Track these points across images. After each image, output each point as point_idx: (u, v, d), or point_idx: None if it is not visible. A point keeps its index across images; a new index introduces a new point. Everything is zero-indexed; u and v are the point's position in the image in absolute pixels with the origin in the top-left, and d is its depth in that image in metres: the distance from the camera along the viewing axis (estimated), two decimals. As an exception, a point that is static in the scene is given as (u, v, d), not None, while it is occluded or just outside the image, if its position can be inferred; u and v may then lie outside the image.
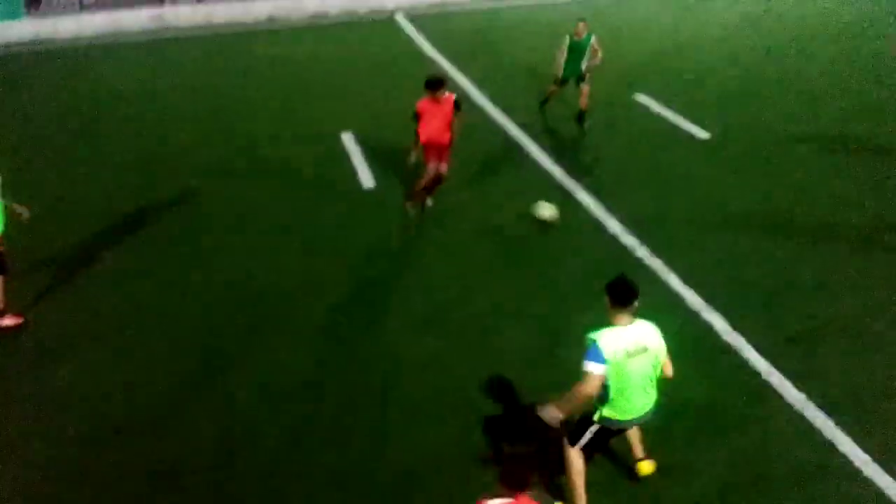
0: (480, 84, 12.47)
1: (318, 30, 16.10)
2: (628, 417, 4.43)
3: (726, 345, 6.25)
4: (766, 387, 5.76)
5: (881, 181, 8.92)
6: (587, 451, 4.60)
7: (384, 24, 16.48)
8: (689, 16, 15.89)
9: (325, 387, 5.95)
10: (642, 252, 7.60)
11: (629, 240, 7.85)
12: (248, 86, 12.92)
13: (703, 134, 10.33)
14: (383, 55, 14.26)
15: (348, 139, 10.52)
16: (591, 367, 4.17)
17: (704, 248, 7.72)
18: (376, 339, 6.50)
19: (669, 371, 4.51)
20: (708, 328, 6.46)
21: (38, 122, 11.61)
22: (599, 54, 10.48)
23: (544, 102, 11.20)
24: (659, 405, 4.52)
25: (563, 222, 7.66)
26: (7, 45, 15.41)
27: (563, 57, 10.46)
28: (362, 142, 10.41)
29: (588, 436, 4.50)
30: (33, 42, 15.72)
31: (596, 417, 4.44)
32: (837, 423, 5.36)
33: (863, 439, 5.21)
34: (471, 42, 14.96)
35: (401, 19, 16.79)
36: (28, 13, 16.19)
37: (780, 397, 5.65)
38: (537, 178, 9.34)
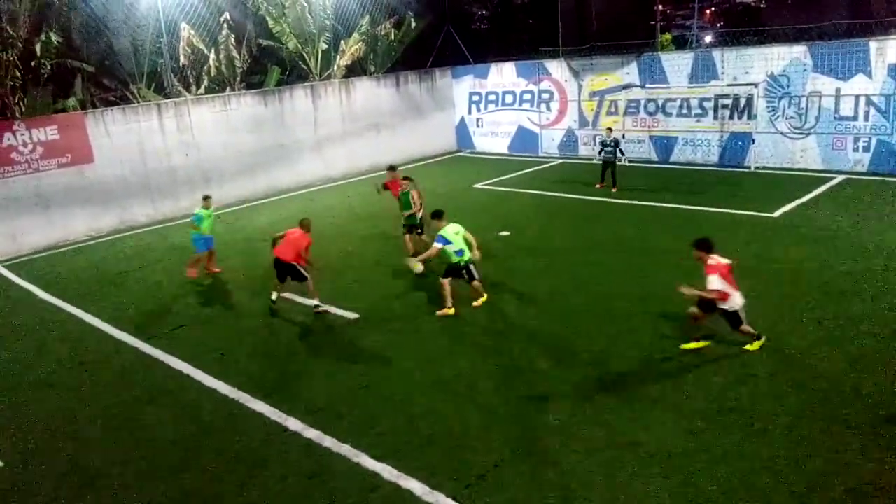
0: (112, 317, 11.63)
1: None
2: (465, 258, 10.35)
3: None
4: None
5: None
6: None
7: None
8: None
9: None
10: (329, 442, 7.45)
11: (313, 433, 7.66)
12: None
13: (352, 315, 10.97)
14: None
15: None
16: (439, 244, 10.16)
17: (378, 417, 7.87)
18: None
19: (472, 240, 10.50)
20: (409, 495, 6.50)
21: None
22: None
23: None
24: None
25: (234, 428, 7.18)
26: None
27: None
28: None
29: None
30: None
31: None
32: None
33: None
34: (92, 277, 14.10)
35: (3, 271, 15.03)
36: None
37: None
38: (203, 395, 8.73)
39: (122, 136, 17.86)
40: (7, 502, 6.99)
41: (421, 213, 12.98)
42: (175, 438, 7.86)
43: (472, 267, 10.50)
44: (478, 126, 25.50)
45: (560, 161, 22.50)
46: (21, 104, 17.62)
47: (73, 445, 7.89)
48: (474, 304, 10.71)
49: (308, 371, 9.21)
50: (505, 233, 14.47)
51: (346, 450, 7.27)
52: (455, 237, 10.29)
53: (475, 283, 10.64)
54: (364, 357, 9.46)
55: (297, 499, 6.61)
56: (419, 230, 13.07)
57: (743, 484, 6.25)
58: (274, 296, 11.16)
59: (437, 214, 10.55)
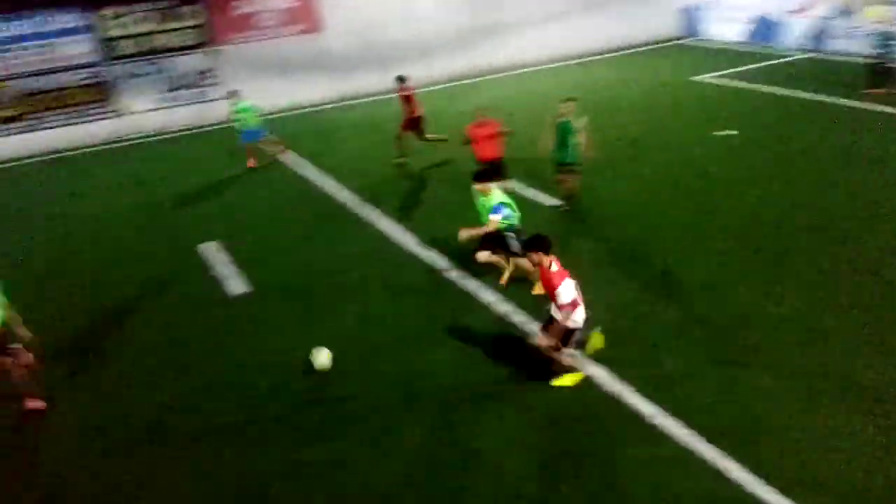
0: (330, 172, 13.18)
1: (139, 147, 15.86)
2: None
3: (609, 394, 6.45)
4: (654, 428, 5.97)
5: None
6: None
7: (229, 132, 16.79)
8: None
9: None
10: (517, 317, 7.80)
11: (471, 284, 8.06)
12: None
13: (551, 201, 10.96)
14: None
15: (209, 248, 10.41)
16: (497, 215, 7.95)
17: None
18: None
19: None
20: (589, 381, 6.64)
21: None
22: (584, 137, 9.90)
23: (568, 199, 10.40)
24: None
25: (440, 300, 8.07)
26: None
27: (550, 139, 9.98)
28: (228, 249, 10.36)
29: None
30: None
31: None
32: (725, 453, 5.58)
33: (752, 466, 5.44)
34: (319, 139, 15.79)
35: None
36: None
37: (668, 436, 5.86)
38: (410, 261, 9.50)
39: (349, 8, 18.72)
40: (258, 325, 8.34)
41: (585, 149, 9.96)
42: (362, 276, 9.08)
43: (520, 231, 8.09)
44: (712, 10, 22.91)
45: (807, 55, 19.62)
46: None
47: (303, 284, 9.15)
48: (501, 280, 8.46)
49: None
50: (727, 132, 13.22)
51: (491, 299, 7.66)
52: (506, 198, 8.22)
53: (517, 259, 8.20)
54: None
55: (446, 324, 7.53)
56: (576, 171, 10.20)
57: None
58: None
59: (479, 176, 8.29)
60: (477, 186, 8.16)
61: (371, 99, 18.78)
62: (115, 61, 17.42)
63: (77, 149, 17.07)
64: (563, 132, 9.87)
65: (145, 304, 9.07)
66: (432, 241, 9.83)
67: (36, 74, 16.81)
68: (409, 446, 6.10)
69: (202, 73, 18.11)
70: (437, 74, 20.06)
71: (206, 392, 7.13)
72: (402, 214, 10.99)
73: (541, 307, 7.19)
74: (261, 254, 10.17)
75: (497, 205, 8.01)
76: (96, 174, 15.16)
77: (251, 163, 13.97)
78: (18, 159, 16.65)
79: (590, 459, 5.73)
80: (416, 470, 5.82)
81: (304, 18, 18.45)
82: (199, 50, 17.97)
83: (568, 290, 6.24)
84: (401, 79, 13.24)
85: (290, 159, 14.40)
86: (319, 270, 9.50)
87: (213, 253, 10.25)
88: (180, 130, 17.76)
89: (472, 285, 8.60)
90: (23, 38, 16.51)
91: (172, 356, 7.83)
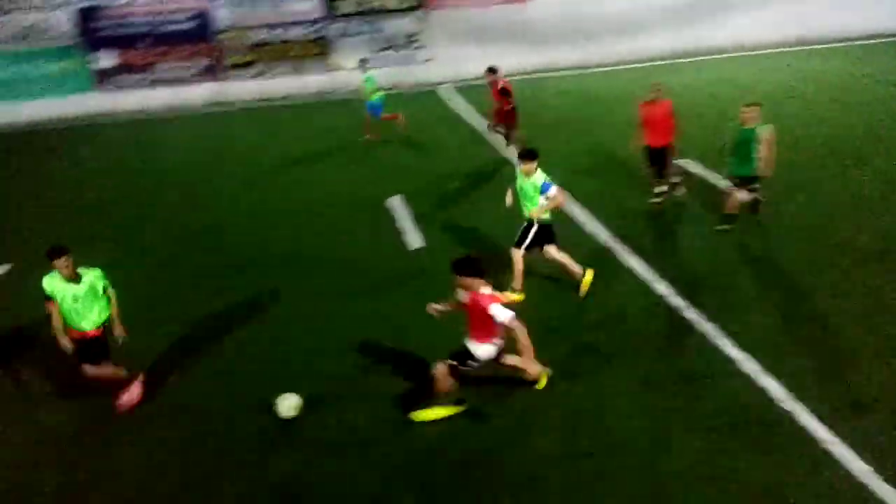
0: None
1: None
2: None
3: (783, 412, 5.96)
4: (828, 455, 5.44)
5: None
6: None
7: (427, 94, 17.64)
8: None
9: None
10: (690, 314, 7.43)
11: (677, 301, 7.70)
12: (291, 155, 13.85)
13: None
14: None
15: (395, 202, 11.04)
16: (554, 190, 7.59)
17: (758, 310, 7.46)
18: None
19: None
20: (763, 393, 6.20)
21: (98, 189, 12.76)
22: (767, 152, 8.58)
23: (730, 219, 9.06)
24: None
25: (607, 283, 7.91)
26: (76, 118, 16.91)
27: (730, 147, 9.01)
28: (411, 205, 10.91)
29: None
30: (100, 114, 17.25)
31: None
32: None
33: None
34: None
35: (447, 90, 17.67)
36: (96, 87, 17.94)
37: (842, 467, 5.31)
38: (583, 239, 9.34)
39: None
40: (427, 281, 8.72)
41: (764, 164, 8.66)
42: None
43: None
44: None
45: None
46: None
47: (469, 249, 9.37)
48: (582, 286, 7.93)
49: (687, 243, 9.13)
50: None
51: (709, 328, 7.17)
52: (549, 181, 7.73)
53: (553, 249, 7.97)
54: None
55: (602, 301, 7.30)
56: (755, 186, 8.92)
57: None
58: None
59: (530, 154, 7.67)
60: (522, 167, 7.67)
61: (569, 73, 18.52)
62: (336, 19, 18.74)
63: (294, 97, 18.67)
64: (744, 142, 8.69)
65: (336, 246, 9.85)
66: (606, 221, 9.69)
67: (267, 27, 18.57)
68: (550, 432, 6.17)
69: (410, 35, 18.96)
70: (644, 52, 19.19)
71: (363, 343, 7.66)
72: (579, 193, 10.76)
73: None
74: (437, 213, 10.55)
75: (546, 182, 7.61)
76: (310, 120, 16.45)
77: (369, 134, 14.01)
78: (249, 101, 18.54)
79: (752, 475, 5.36)
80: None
81: (513, -12, 18.55)
82: (412, 13, 18.77)
83: (500, 308, 5.76)
84: (492, 70, 12.35)
85: (475, 126, 14.68)
86: (486, 237, 9.61)
87: (399, 207, 10.84)
88: (382, 90, 18.73)
89: (641, 269, 8.36)
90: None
91: (350, 303, 8.37)
